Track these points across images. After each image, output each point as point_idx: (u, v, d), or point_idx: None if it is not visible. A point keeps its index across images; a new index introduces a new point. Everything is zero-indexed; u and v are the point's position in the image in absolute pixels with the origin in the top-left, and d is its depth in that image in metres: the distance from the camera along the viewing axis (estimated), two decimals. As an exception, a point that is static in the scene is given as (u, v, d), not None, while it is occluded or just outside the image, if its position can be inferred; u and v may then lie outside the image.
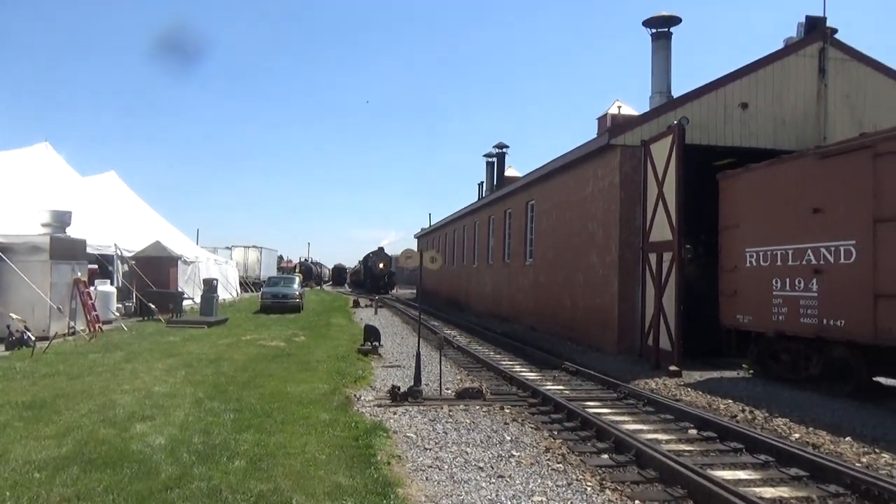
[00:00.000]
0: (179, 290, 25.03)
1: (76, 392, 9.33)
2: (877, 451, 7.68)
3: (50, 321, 15.80)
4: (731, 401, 10.53)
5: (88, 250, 19.07)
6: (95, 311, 17.86)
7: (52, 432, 7.11)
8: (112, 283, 21.51)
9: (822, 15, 16.26)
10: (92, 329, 17.18)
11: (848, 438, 8.20)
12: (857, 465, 7.05)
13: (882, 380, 11.27)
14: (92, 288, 18.64)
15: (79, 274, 17.42)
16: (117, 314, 20.84)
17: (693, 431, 8.67)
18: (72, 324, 16.79)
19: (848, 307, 10.36)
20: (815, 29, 16.20)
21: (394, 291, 55.98)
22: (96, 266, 21.00)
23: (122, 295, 22.62)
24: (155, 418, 7.87)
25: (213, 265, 33.31)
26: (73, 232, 18.21)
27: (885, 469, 7.00)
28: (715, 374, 13.17)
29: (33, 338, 14.17)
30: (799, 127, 16.09)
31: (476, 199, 38.75)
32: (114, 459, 6.14)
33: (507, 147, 38.70)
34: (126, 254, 23.31)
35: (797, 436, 8.42)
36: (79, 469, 5.84)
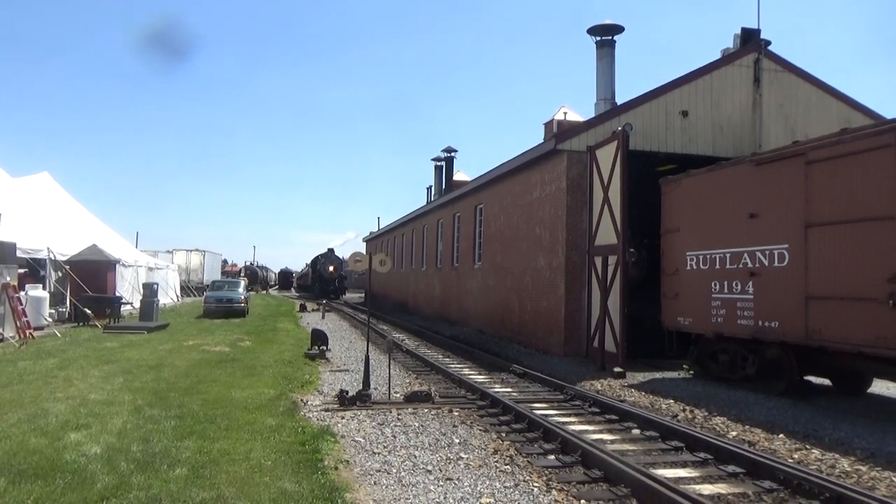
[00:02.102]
0: (117, 294, 24.17)
1: (4, 401, 8.87)
2: (807, 447, 8.02)
3: (-24, 327, 15.03)
4: (672, 401, 10.83)
5: (19, 254, 18.23)
6: (26, 316, 17.04)
7: (-22, 443, 6.75)
8: (44, 288, 20.60)
9: (756, 27, 16.95)
10: (22, 336, 16.40)
11: (781, 435, 8.53)
12: (789, 461, 7.34)
13: (812, 378, 11.79)
14: (22, 293, 17.81)
15: (7, 278, 16.62)
16: (50, 320, 19.96)
17: (636, 431, 8.87)
18: (0, 330, 16.00)
19: (781, 309, 10.79)
20: (750, 40, 16.86)
21: (345, 296, 54.09)
22: (27, 270, 20.08)
23: (56, 300, 21.69)
24: (91, 427, 7.56)
25: (153, 269, 32.31)
26: (2, 234, 17.38)
27: (815, 464, 7.31)
28: (658, 375, 13.51)
29: (-42, 345, 13.45)
30: (736, 134, 16.70)
31: (424, 203, 38.77)
32: (45, 470, 5.87)
33: (455, 151, 38.82)
34: (60, 257, 22.37)
35: (734, 434, 8.71)
36: (6, 480, 5.55)
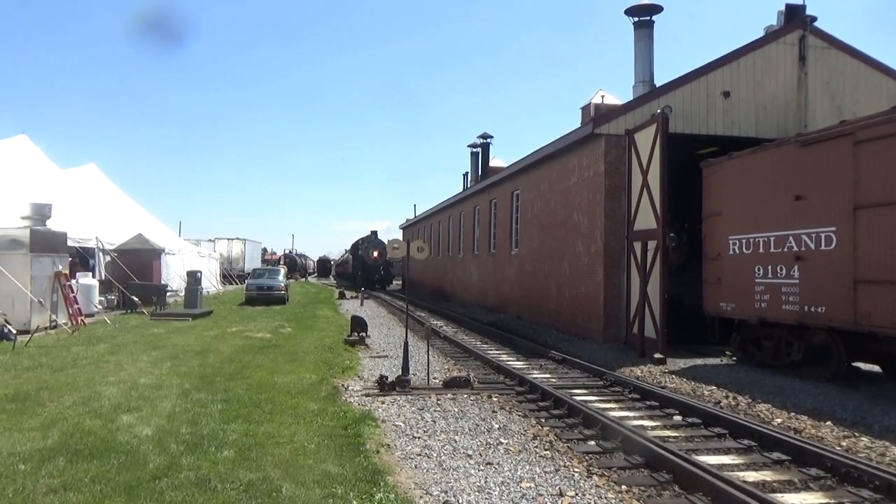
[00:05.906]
0: (163, 282, 24.84)
1: (60, 384, 9.25)
2: (856, 434, 7.83)
3: (31, 315, 15.63)
4: (714, 387, 10.67)
5: (69, 243, 18.86)
6: (77, 304, 17.68)
7: (37, 424, 7.05)
8: (94, 276, 21.30)
9: (801, 2, 16.40)
10: (74, 322, 17.01)
11: (828, 423, 8.34)
12: (837, 448, 7.18)
13: (861, 365, 11.47)
14: (73, 281, 18.45)
15: (60, 267, 17.22)
16: (100, 307, 20.66)
17: (678, 418, 8.78)
18: (53, 317, 16.61)
19: (828, 294, 10.51)
20: (795, 17, 16.34)
21: (390, 286, 48.20)
22: (77, 259, 20.77)
23: (105, 288, 22.42)
24: (141, 409, 7.83)
25: (196, 257, 33.07)
26: (53, 225, 17.99)
27: (864, 452, 7.14)
28: (699, 361, 13.32)
29: (14, 331, 14.03)
30: (780, 115, 16.24)
31: (461, 189, 38.72)
32: (100, 450, 6.11)
33: (491, 137, 38.56)
34: (108, 246, 23.08)
35: (779, 421, 8.55)
36: (65, 460, 5.80)
